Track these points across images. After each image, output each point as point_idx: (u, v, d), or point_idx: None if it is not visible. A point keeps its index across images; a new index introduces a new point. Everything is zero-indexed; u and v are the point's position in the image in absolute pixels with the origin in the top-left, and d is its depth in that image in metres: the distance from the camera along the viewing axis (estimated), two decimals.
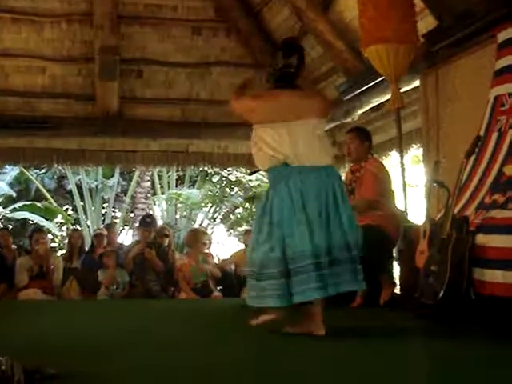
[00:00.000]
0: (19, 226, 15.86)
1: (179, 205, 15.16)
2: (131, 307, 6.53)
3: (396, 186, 5.85)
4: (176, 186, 15.98)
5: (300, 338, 3.72)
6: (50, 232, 13.62)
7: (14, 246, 8.65)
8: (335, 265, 3.82)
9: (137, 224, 10.97)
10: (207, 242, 8.53)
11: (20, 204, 15.23)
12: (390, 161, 7.94)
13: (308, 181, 3.87)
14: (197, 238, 8.15)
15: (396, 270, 5.94)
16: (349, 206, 4.00)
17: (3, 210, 15.71)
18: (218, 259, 9.39)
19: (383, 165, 5.88)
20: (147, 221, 8.56)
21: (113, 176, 15.63)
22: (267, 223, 3.87)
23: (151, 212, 15.10)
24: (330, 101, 4.60)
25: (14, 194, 15.62)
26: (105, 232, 8.49)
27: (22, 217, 15.03)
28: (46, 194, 15.41)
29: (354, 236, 3.94)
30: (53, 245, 13.94)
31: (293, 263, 3.78)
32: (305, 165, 3.89)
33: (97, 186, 15.30)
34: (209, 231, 14.43)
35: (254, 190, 14.52)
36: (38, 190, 15.83)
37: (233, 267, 8.23)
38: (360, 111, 7.53)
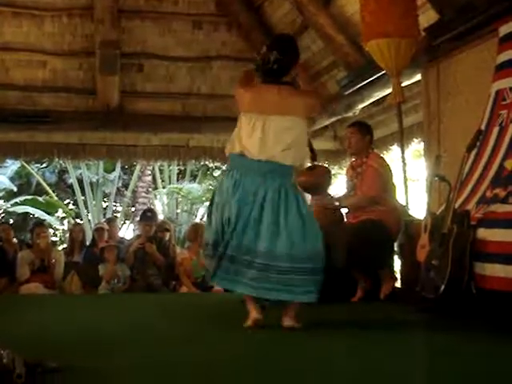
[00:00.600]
0: (20, 220, 15.88)
1: (180, 199, 15.16)
2: (132, 301, 6.53)
3: (397, 180, 5.85)
4: (177, 181, 15.98)
5: (299, 333, 3.72)
6: (50, 226, 13.64)
7: (15, 240, 8.65)
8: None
9: (138, 218, 10.96)
10: None
11: (21, 198, 15.25)
12: (391, 155, 7.94)
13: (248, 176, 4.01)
14: (198, 233, 8.15)
15: (397, 264, 5.95)
16: (302, 216, 3.96)
17: (4, 204, 15.74)
18: None
19: (384, 160, 5.87)
20: (148, 215, 8.56)
21: (114, 170, 15.64)
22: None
23: (152, 206, 15.10)
24: (321, 101, 4.61)
25: (15, 189, 15.63)
26: (106, 226, 8.48)
27: (23, 211, 15.05)
28: (47, 188, 15.42)
29: (301, 249, 3.89)
30: (54, 239, 13.98)
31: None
32: (270, 160, 3.96)
33: (98, 181, 15.31)
34: None
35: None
36: (38, 184, 15.84)
37: None
38: (361, 105, 7.52)
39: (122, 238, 9.78)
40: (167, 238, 8.19)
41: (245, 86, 4.16)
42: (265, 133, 3.96)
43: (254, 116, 4.00)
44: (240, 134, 4.06)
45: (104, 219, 12.14)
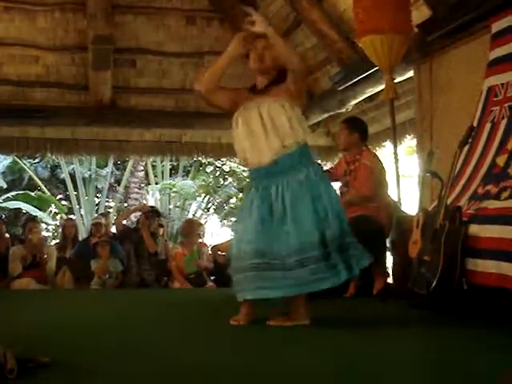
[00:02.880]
0: (12, 215, 15.85)
1: (173, 195, 15.15)
2: (123, 297, 6.54)
3: (390, 176, 5.86)
4: (170, 176, 15.97)
5: (289, 329, 3.72)
6: (43, 221, 13.62)
7: (7, 235, 8.64)
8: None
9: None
10: (202, 233, 8.54)
11: (13, 193, 15.22)
12: (384, 151, 7.96)
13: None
14: (192, 229, 8.16)
15: (389, 260, 5.96)
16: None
17: None
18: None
19: (377, 157, 5.88)
20: (154, 210, 8.57)
21: (106, 166, 15.62)
22: None
23: (145, 202, 15.11)
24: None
25: (5, 186, 15.59)
26: (103, 221, 8.47)
27: (15, 206, 15.01)
28: (40, 183, 15.40)
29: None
30: (46, 234, 13.94)
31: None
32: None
33: (90, 176, 15.29)
34: (202, 221, 14.45)
35: (247, 180, 14.52)
36: (31, 179, 15.82)
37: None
38: (354, 101, 7.53)
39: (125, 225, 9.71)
40: (161, 233, 8.20)
41: None
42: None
43: None
44: None
45: (96, 214, 12.12)
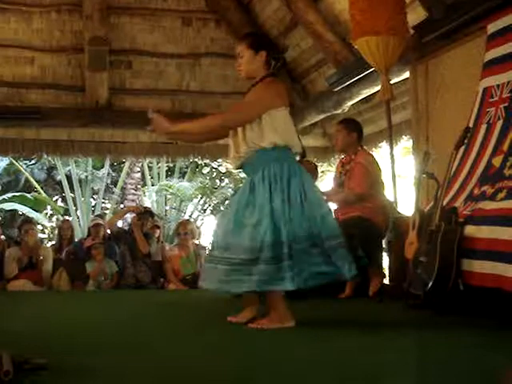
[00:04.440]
0: (8, 216, 15.84)
1: (169, 196, 15.15)
2: (119, 298, 6.53)
3: (386, 177, 5.87)
4: (166, 178, 15.97)
5: (283, 330, 3.72)
6: (39, 223, 13.60)
7: (3, 237, 8.63)
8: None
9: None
10: (198, 234, 8.53)
11: (9, 195, 15.20)
12: (380, 152, 7.96)
13: None
14: (187, 230, 8.14)
15: (385, 260, 5.96)
16: None
17: None
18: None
19: (373, 157, 5.89)
20: (147, 210, 8.55)
21: (103, 167, 15.61)
22: None
23: (141, 203, 15.10)
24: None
25: (0, 187, 15.58)
26: (102, 222, 8.44)
27: (12, 208, 15.00)
28: (36, 184, 15.39)
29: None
30: (42, 236, 13.94)
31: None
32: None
33: (87, 177, 15.28)
34: (199, 222, 14.46)
35: (243, 181, 14.49)
36: (27, 180, 15.81)
37: None
38: (350, 103, 7.53)
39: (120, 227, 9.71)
40: (157, 235, 8.18)
41: None
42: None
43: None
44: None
45: (93, 216, 12.11)
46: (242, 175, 14.16)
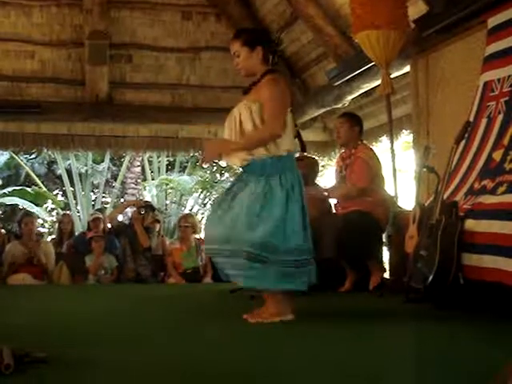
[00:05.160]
0: (9, 211, 15.84)
1: (169, 190, 15.14)
2: (118, 292, 6.55)
3: (386, 171, 5.86)
4: (166, 172, 15.96)
5: (283, 324, 3.72)
6: (39, 217, 13.60)
7: (3, 231, 8.64)
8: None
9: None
10: (198, 228, 8.52)
11: (10, 189, 15.19)
12: (381, 146, 7.96)
13: None
14: (188, 223, 8.14)
15: (386, 255, 5.96)
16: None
17: None
18: None
19: (373, 151, 5.89)
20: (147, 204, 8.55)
21: (103, 161, 15.61)
22: None
23: (142, 198, 15.09)
24: None
25: (0, 182, 15.57)
26: (102, 216, 8.44)
27: (12, 202, 14.99)
28: (36, 179, 15.37)
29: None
30: (42, 230, 13.94)
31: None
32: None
33: (87, 171, 15.27)
34: (199, 217, 14.44)
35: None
36: (27, 175, 15.80)
37: None
38: (350, 97, 7.52)
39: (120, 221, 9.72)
40: (157, 228, 8.18)
41: None
42: None
43: None
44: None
45: (93, 210, 12.10)
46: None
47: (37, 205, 14.88)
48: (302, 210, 3.83)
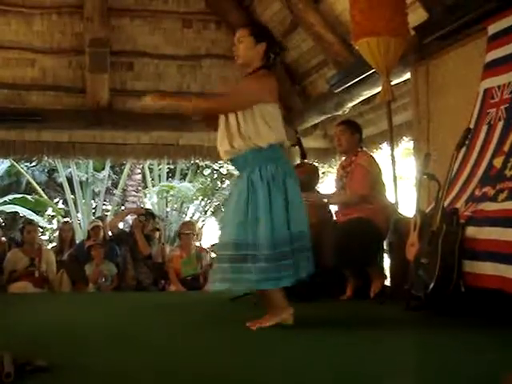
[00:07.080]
0: (10, 218, 15.83)
1: (170, 198, 15.14)
2: (118, 300, 6.53)
3: (387, 178, 5.86)
4: (167, 179, 15.96)
5: (285, 330, 3.72)
6: (39, 225, 13.60)
7: (4, 239, 8.63)
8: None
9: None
10: (199, 236, 8.53)
11: (10, 197, 15.19)
12: (381, 153, 7.96)
13: None
14: (189, 230, 8.14)
15: (386, 262, 5.96)
16: None
17: None
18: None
19: (373, 158, 5.88)
20: (148, 212, 8.55)
21: (103, 169, 15.61)
22: None
23: (142, 205, 15.10)
24: None
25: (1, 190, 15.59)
26: (101, 224, 8.44)
27: (13, 210, 14.99)
28: (37, 186, 15.37)
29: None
30: (43, 238, 13.93)
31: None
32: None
33: (87, 179, 15.28)
34: (200, 224, 14.45)
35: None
36: (28, 182, 15.80)
37: None
38: (351, 104, 7.53)
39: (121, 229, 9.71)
40: (157, 236, 8.18)
41: None
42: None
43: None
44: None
45: (93, 218, 12.11)
46: None
47: (37, 213, 14.88)
48: (284, 202, 3.81)
